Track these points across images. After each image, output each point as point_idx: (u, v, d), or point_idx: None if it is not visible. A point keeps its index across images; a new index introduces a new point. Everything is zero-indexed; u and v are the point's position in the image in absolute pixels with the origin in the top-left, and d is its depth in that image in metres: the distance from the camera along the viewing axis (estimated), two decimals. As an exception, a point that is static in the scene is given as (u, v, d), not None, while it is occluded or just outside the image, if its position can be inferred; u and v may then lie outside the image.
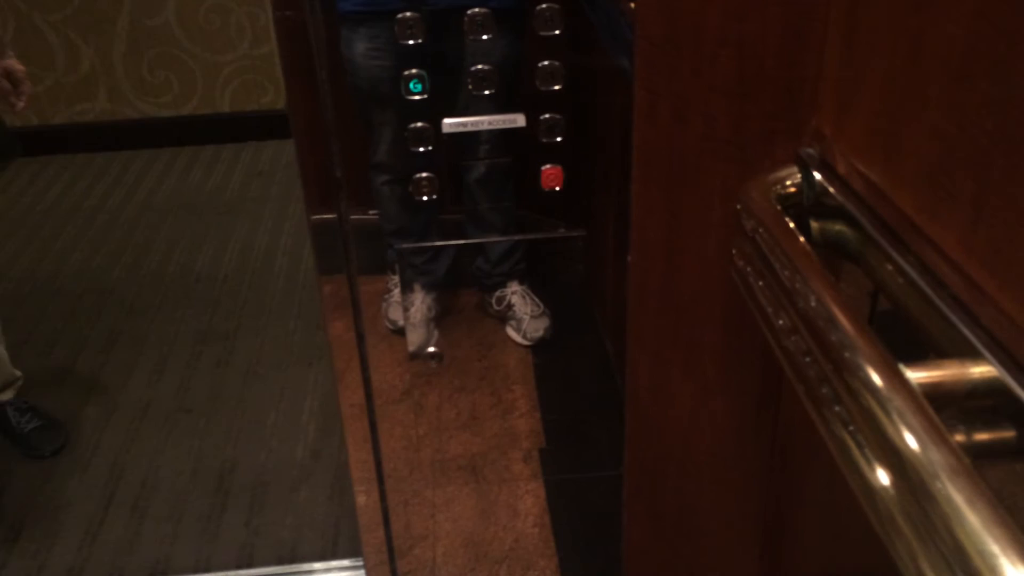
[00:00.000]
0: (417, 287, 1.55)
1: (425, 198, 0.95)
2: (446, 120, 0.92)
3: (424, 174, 0.93)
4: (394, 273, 1.56)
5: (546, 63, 0.88)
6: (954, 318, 0.44)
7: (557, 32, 0.86)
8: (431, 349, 1.35)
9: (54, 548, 1.66)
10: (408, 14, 0.84)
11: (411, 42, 0.86)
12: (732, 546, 0.88)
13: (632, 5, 0.68)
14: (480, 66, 0.91)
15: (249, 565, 1.61)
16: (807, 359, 0.51)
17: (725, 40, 0.64)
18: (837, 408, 0.46)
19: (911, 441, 0.38)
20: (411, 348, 1.34)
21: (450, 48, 1.05)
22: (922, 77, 0.49)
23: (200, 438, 1.93)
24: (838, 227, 0.60)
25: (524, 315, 1.61)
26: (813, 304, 0.50)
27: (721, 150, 0.68)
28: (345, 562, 1.56)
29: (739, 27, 0.63)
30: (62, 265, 2.68)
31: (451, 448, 1.57)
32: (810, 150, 0.63)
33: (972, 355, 0.42)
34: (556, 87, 0.88)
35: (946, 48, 0.46)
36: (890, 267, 0.52)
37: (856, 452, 0.43)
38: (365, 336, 1.06)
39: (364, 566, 1.34)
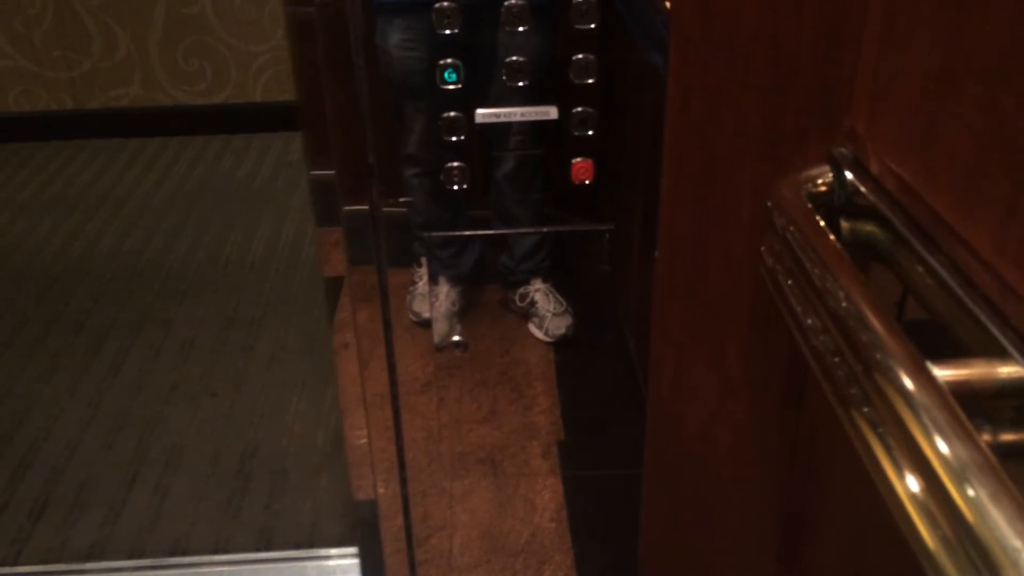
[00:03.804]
0: (442, 280, 1.56)
1: (456, 187, 0.95)
2: (479, 110, 0.92)
3: (456, 163, 0.94)
4: (420, 266, 1.57)
5: (580, 56, 0.88)
6: (984, 318, 0.44)
7: (593, 26, 0.86)
8: (456, 338, 1.36)
9: (77, 524, 1.69)
10: (445, 3, 0.85)
11: (448, 31, 0.87)
12: (751, 545, 0.88)
13: (667, 2, 0.68)
14: (515, 58, 0.91)
15: (267, 548, 1.62)
16: (836, 359, 0.50)
17: (760, 36, 0.64)
18: (866, 409, 0.46)
19: (939, 441, 0.38)
20: (436, 339, 1.35)
21: (482, 40, 1.05)
22: (960, 76, 0.49)
23: (223, 421, 1.96)
24: (869, 227, 0.60)
25: (547, 312, 1.62)
26: (844, 304, 0.50)
27: (753, 147, 0.67)
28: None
29: (774, 23, 0.63)
30: (93, 247, 2.72)
31: (470, 441, 1.58)
32: (843, 149, 0.63)
33: (1001, 355, 0.42)
34: (590, 80, 0.89)
35: (985, 46, 0.46)
36: (921, 268, 0.52)
37: (884, 453, 0.43)
38: (386, 328, 1.07)
39: (382, 553, 1.35)
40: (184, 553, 1.62)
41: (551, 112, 0.91)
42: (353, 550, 1.53)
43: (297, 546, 1.62)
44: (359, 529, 1.40)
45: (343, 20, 0.81)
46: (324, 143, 0.93)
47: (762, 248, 0.66)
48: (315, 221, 1.14)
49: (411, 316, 1.55)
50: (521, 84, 0.91)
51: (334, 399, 1.99)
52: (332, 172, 0.93)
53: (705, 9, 0.63)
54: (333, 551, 1.58)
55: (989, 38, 0.46)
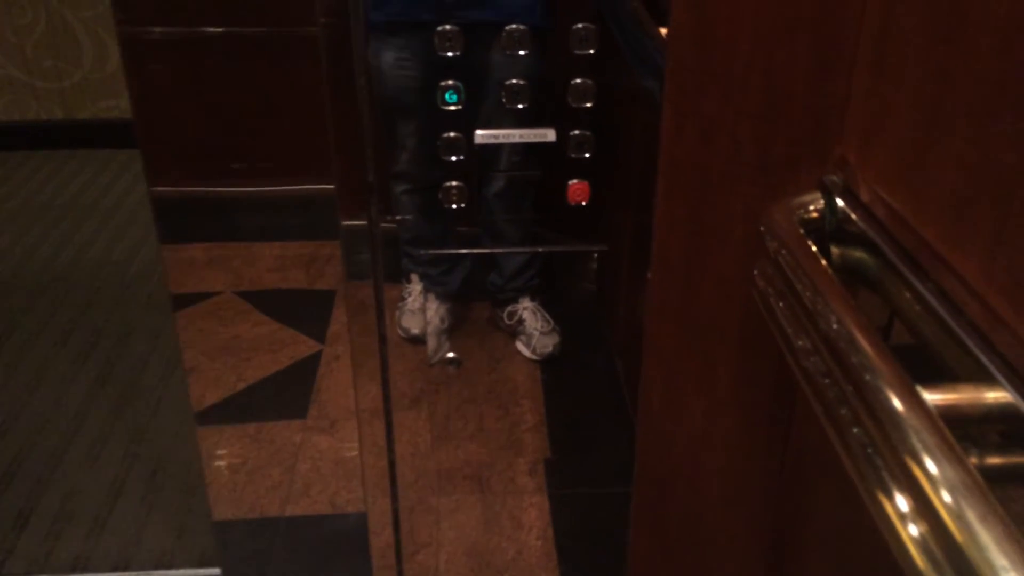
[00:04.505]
0: (432, 297, 1.57)
1: (454, 206, 0.97)
2: (479, 131, 0.94)
3: (454, 182, 0.95)
4: (409, 282, 1.58)
5: (579, 81, 0.90)
6: (971, 344, 0.45)
7: (592, 51, 0.88)
8: (450, 355, 1.36)
9: (62, 536, 1.68)
10: (448, 27, 0.86)
11: (450, 54, 0.88)
12: (738, 564, 0.89)
13: (662, 30, 0.70)
14: (515, 80, 0.93)
15: (253, 562, 1.62)
16: (826, 380, 0.52)
17: (754, 65, 0.65)
18: (856, 429, 0.47)
19: (928, 462, 0.40)
20: (430, 355, 1.35)
21: (476, 62, 1.07)
22: (948, 109, 0.50)
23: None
24: (858, 254, 0.61)
25: (534, 331, 1.63)
26: (834, 326, 0.51)
27: (746, 172, 0.69)
28: (348, 564, 1.56)
29: (769, 53, 0.65)
30: (81, 258, 2.71)
31: (457, 457, 1.58)
32: (834, 177, 0.65)
33: (988, 380, 0.44)
34: (587, 104, 0.90)
35: (973, 81, 0.48)
36: (909, 294, 0.53)
37: (873, 473, 0.44)
38: (368, 344, 1.08)
39: (371, 569, 1.35)
40: (169, 567, 1.62)
41: (549, 134, 0.92)
42: (216, 571, 1.51)
43: (282, 561, 1.62)
44: (222, 550, 1.41)
45: (346, 40, 0.83)
46: (165, 159, 0.96)
47: (754, 271, 0.67)
48: (158, 239, 1.17)
49: (399, 332, 1.56)
50: (521, 106, 0.93)
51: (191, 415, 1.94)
52: (177, 190, 0.96)
53: (701, 38, 0.65)
54: (192, 571, 1.58)
55: (978, 74, 0.47)
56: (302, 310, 1.66)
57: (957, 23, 0.50)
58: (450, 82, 0.92)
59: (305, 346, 1.72)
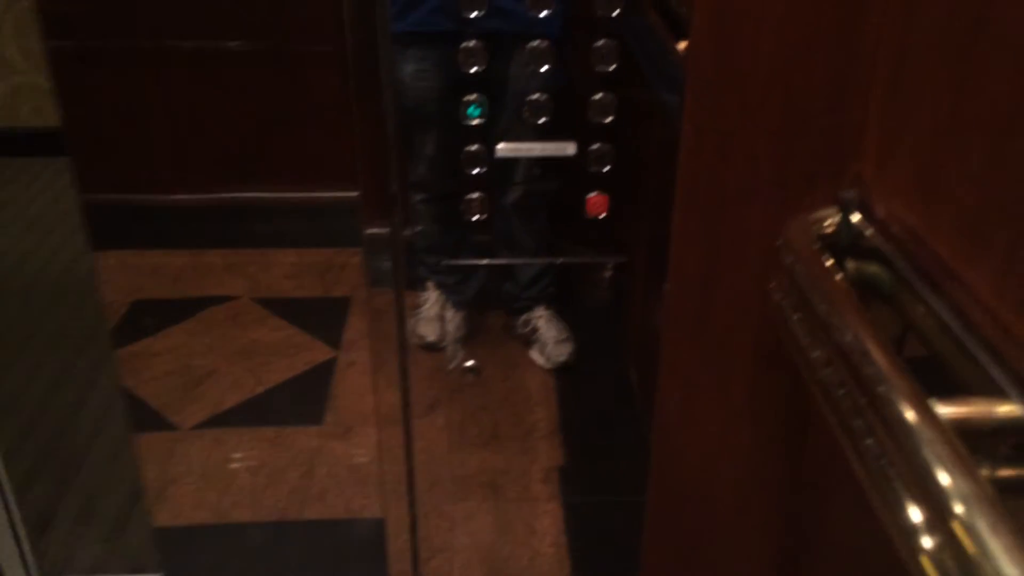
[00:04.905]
0: (447, 305, 1.58)
1: (476, 217, 0.98)
2: (501, 145, 0.95)
3: (476, 194, 0.97)
4: (424, 289, 1.59)
5: (600, 96, 0.91)
6: (983, 358, 0.46)
7: (612, 67, 0.89)
8: (469, 363, 1.37)
9: (83, 538, 1.70)
10: (472, 43, 0.88)
11: (474, 69, 0.90)
12: (752, 575, 0.89)
13: (681, 46, 0.71)
14: (536, 95, 0.94)
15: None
16: (840, 392, 0.53)
17: (773, 83, 0.66)
18: (869, 440, 0.48)
19: (941, 474, 0.40)
20: (449, 363, 1.37)
21: (495, 73, 1.08)
22: (964, 128, 0.51)
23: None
24: (873, 268, 0.62)
25: (548, 339, 1.63)
26: (849, 338, 0.52)
27: (762, 187, 0.70)
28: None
29: (787, 71, 0.66)
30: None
31: (471, 464, 1.59)
32: (850, 193, 0.66)
33: (1000, 394, 0.45)
34: (608, 119, 0.91)
35: (988, 101, 0.49)
36: (922, 308, 0.54)
37: (886, 484, 0.45)
38: (386, 351, 1.09)
39: (387, 573, 1.36)
40: (187, 569, 1.63)
41: (569, 148, 0.93)
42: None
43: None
44: (161, 555, 1.41)
45: (374, 53, 0.84)
46: (91, 167, 0.98)
47: (771, 284, 0.68)
48: (90, 246, 1.18)
49: (415, 339, 1.57)
50: (542, 120, 0.94)
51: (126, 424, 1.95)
52: (112, 196, 0.97)
53: (721, 54, 0.66)
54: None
55: (995, 93, 0.48)
56: (317, 316, 1.67)
57: (974, 43, 0.51)
58: (473, 96, 0.93)
59: (320, 352, 1.74)
